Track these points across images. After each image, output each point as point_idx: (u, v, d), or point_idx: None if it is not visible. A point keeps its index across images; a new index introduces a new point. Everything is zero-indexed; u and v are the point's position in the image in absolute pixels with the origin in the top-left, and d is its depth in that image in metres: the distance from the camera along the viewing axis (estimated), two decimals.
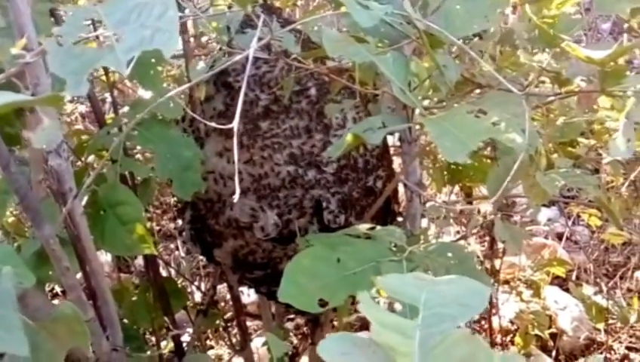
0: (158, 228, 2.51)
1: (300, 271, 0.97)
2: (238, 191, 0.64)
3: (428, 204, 1.37)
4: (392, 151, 1.46)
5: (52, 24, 1.19)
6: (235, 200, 0.64)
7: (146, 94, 1.47)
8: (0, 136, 0.87)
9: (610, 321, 2.02)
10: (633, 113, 0.76)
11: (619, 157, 0.86)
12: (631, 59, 2.34)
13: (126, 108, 1.40)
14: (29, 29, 0.77)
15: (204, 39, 1.71)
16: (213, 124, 0.78)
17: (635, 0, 0.78)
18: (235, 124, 0.68)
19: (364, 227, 1.12)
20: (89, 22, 0.50)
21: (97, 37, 0.47)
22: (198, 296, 1.97)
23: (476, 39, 0.98)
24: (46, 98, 0.47)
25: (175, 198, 1.40)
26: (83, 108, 2.53)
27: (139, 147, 1.58)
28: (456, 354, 0.39)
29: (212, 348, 2.07)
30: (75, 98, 1.97)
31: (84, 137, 1.45)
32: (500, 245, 1.62)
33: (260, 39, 0.89)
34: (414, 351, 0.44)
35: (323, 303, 0.95)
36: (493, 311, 1.85)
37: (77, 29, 0.49)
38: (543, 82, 1.21)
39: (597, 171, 2.02)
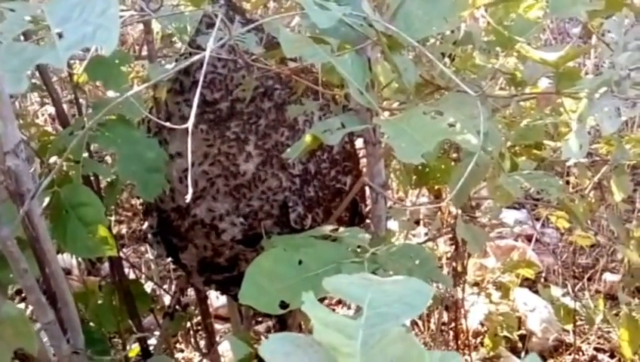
0: (128, 230, 2.49)
1: (260, 272, 0.96)
2: (190, 191, 0.64)
3: (394, 206, 1.37)
4: (360, 154, 1.46)
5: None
6: (187, 200, 0.64)
7: (114, 95, 1.46)
8: None
9: (579, 323, 2.04)
10: (586, 114, 0.77)
11: (573, 159, 0.86)
12: (598, 65, 2.37)
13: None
14: None
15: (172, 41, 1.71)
16: (167, 124, 0.77)
17: (589, 3, 0.79)
18: (189, 125, 0.67)
19: (328, 228, 1.12)
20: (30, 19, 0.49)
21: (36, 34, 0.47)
22: (167, 300, 1.96)
23: (436, 41, 0.99)
24: None
25: (140, 200, 1.39)
26: (52, 109, 2.51)
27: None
28: (392, 352, 0.39)
29: (182, 351, 2.05)
30: (42, 99, 1.95)
31: (47, 138, 1.43)
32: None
33: (220, 39, 0.89)
34: (356, 350, 0.44)
35: (284, 305, 0.94)
36: (462, 312, 1.86)
37: (18, 25, 0.48)
38: (508, 86, 1.23)
39: (566, 174, 2.04)
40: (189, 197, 0.64)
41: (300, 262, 0.98)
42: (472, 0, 0.96)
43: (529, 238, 2.40)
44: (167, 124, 0.80)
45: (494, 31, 0.91)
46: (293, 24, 1.47)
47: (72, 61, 1.27)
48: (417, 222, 2.10)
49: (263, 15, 2.02)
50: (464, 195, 1.08)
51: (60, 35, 0.46)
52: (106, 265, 2.06)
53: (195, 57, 0.79)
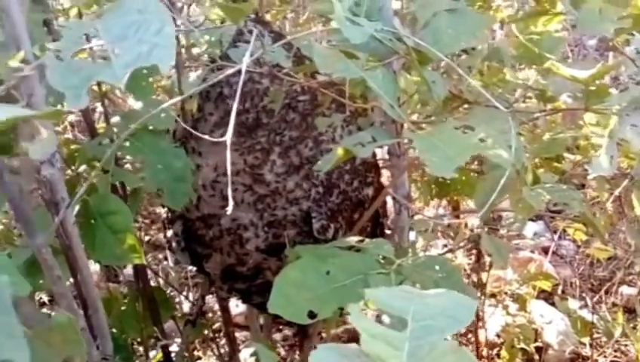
0: (146, 238, 2.51)
1: (289, 282, 0.98)
2: (231, 204, 0.65)
3: (415, 218, 1.38)
4: (380, 164, 1.48)
5: (45, 34, 1.21)
6: (228, 213, 0.65)
7: (135, 104, 1.49)
8: None
9: (596, 335, 2.04)
10: (616, 131, 0.78)
11: (602, 174, 0.87)
12: (617, 76, 2.37)
13: (116, 118, 1.41)
14: (24, 41, 0.78)
15: (195, 51, 1.73)
16: (206, 137, 0.79)
17: (618, 21, 0.80)
18: (228, 138, 0.69)
19: (352, 239, 1.13)
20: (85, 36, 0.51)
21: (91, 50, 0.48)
22: (186, 307, 1.98)
23: (463, 56, 1.00)
24: (47, 113, 0.48)
25: (165, 209, 1.40)
26: (72, 117, 2.54)
27: (128, 157, 1.59)
28: None
29: (200, 358, 2.07)
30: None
31: (73, 147, 1.45)
32: (487, 258, 1.64)
33: (252, 53, 0.91)
34: (403, 361, 0.45)
35: (312, 315, 0.96)
36: (480, 324, 1.86)
37: (75, 43, 0.50)
38: (530, 97, 1.24)
39: (582, 186, 2.05)
40: (229, 210, 0.65)
41: (328, 273, 0.99)
42: (493, 14, 0.98)
43: (546, 250, 2.40)
44: (206, 136, 0.82)
45: (523, 47, 0.92)
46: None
47: None
48: (435, 236, 2.10)
49: (280, 26, 2.04)
50: (488, 208, 1.08)
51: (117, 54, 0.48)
52: (125, 271, 2.08)
53: (231, 70, 0.81)
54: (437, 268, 1.04)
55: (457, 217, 1.57)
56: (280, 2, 1.69)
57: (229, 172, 0.68)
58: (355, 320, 0.48)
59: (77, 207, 1.14)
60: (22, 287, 0.60)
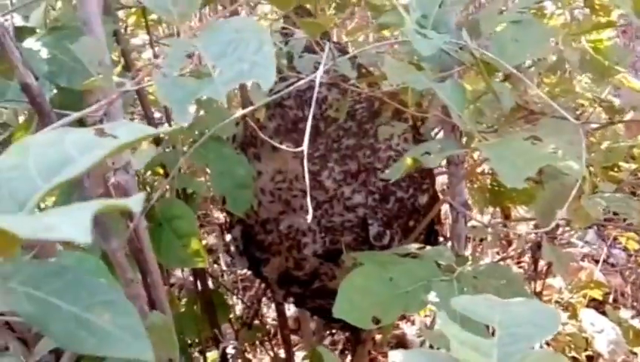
0: None
1: (353, 288, 1.00)
2: (310, 212, 0.68)
3: (470, 225, 1.39)
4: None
5: (114, 44, 1.25)
6: (309, 220, 0.68)
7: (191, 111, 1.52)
8: None
9: None
10: None
11: None
12: None
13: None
14: (105, 53, 0.82)
15: None
16: (284, 147, 0.81)
17: None
18: (305, 147, 0.71)
19: (412, 246, 1.15)
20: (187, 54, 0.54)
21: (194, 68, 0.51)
22: (238, 309, 2.01)
23: (532, 68, 1.01)
24: (172, 130, 0.51)
25: (225, 214, 1.44)
26: None
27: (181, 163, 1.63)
28: None
29: (249, 361, 2.10)
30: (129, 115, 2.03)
31: None
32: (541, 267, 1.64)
33: (320, 64, 0.93)
34: None
35: (375, 320, 0.98)
36: None
37: (178, 61, 0.53)
38: (587, 109, 1.24)
39: (634, 194, 2.03)
40: (309, 218, 0.68)
41: (391, 279, 1.01)
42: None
43: (596, 259, 2.38)
44: (279, 145, 0.84)
45: (592, 59, 0.93)
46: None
47: None
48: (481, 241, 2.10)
49: (330, 33, 2.06)
50: (549, 217, 1.09)
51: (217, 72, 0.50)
52: (176, 274, 2.13)
53: (303, 80, 0.83)
54: (497, 275, 1.05)
55: (510, 225, 1.57)
56: (333, 10, 1.71)
57: (307, 180, 0.70)
58: (444, 327, 0.50)
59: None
60: (118, 291, 0.63)
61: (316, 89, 0.79)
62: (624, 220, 2.00)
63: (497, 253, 1.85)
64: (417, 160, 0.88)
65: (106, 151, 0.35)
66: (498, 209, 1.77)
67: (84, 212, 0.26)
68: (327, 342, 2.17)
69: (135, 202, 0.28)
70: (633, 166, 1.55)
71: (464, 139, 1.11)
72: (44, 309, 0.36)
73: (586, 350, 2.08)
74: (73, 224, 0.24)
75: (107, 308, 0.37)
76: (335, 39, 1.87)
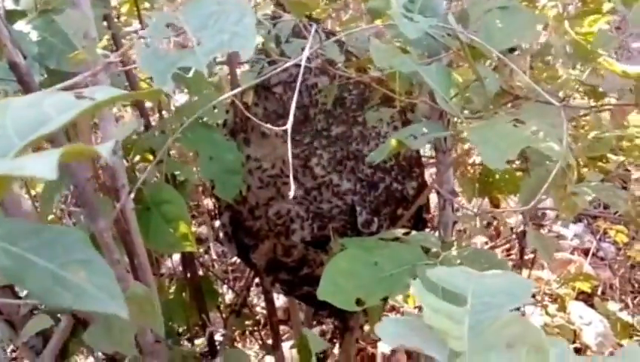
0: None
1: (338, 271, 1.01)
2: (293, 188, 0.68)
3: (459, 213, 1.40)
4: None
5: (105, 28, 1.26)
6: (291, 196, 0.68)
7: (180, 99, 1.53)
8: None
9: (635, 338, 2.03)
10: None
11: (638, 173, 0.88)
12: None
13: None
14: (93, 33, 0.82)
15: None
16: (268, 126, 0.82)
17: None
18: (288, 126, 0.72)
19: (399, 231, 1.15)
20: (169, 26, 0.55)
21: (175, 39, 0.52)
22: (227, 298, 2.02)
23: (514, 53, 1.02)
24: (147, 92, 0.52)
25: (213, 200, 1.44)
26: (117, 113, 2.60)
27: (173, 151, 1.64)
28: (506, 334, 0.42)
29: (237, 347, 2.11)
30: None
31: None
32: (529, 256, 1.65)
33: (303, 48, 0.94)
34: (464, 334, 0.48)
35: (359, 302, 0.98)
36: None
37: (160, 32, 0.54)
38: (579, 93, 1.25)
39: (625, 188, 2.04)
40: (291, 194, 0.69)
41: (376, 263, 1.02)
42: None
43: (585, 252, 2.39)
44: (269, 125, 0.85)
45: (576, 44, 0.94)
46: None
47: None
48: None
49: (324, 24, 2.07)
50: (534, 204, 1.10)
51: (198, 42, 0.51)
52: (171, 261, 2.13)
53: (289, 63, 0.84)
54: (483, 261, 1.06)
55: (496, 213, 1.58)
56: (327, 0, 1.72)
57: (290, 161, 0.71)
58: (418, 295, 0.51)
59: (132, 196, 1.19)
60: (96, 253, 0.63)
61: (301, 70, 0.79)
62: (615, 213, 2.02)
63: (486, 243, 1.86)
64: (402, 142, 0.88)
65: (81, 109, 0.35)
66: (487, 200, 1.78)
67: (53, 154, 0.26)
68: (316, 331, 2.18)
69: (104, 148, 0.29)
70: (622, 158, 1.56)
71: (452, 126, 1.11)
72: (21, 265, 0.37)
73: (574, 342, 2.09)
74: (42, 163, 0.25)
75: (84, 266, 0.38)
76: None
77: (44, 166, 0.25)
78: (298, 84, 0.77)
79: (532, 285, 0.52)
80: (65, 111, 0.37)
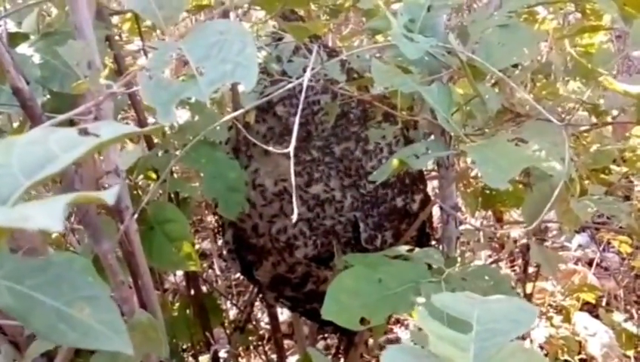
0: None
1: (342, 289, 1.01)
2: (296, 211, 0.69)
3: (462, 228, 1.40)
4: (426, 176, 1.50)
5: (107, 49, 1.26)
6: (294, 220, 0.69)
7: (182, 117, 1.53)
8: None
9: None
10: None
11: None
12: None
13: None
14: (96, 58, 0.83)
15: None
16: (270, 148, 0.82)
17: None
18: (291, 148, 0.72)
19: (402, 248, 1.16)
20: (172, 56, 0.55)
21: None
22: (231, 314, 2.02)
23: (517, 71, 1.02)
24: (152, 128, 0.52)
25: (216, 218, 1.45)
26: None
27: (176, 167, 1.64)
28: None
29: None
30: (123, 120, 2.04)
31: None
32: (532, 269, 1.65)
33: (307, 67, 0.94)
34: None
35: (364, 321, 0.98)
36: (524, 335, 1.87)
37: (163, 63, 0.54)
38: (578, 109, 1.25)
39: (628, 198, 2.04)
40: (294, 218, 0.69)
41: (380, 281, 1.02)
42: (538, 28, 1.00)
43: (589, 262, 2.39)
44: (270, 148, 0.85)
45: (575, 61, 0.94)
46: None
47: None
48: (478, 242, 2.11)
49: (324, 39, 2.08)
50: (537, 219, 1.10)
51: (201, 73, 0.51)
52: (170, 279, 2.13)
53: (292, 84, 0.84)
54: (486, 277, 1.06)
55: (502, 228, 1.58)
56: (327, 16, 1.72)
57: (292, 179, 0.71)
58: (423, 322, 0.51)
59: (135, 215, 1.19)
60: (102, 288, 0.64)
61: (304, 91, 0.80)
62: (618, 224, 2.02)
63: (489, 256, 1.86)
64: (404, 162, 0.89)
65: (87, 148, 0.36)
66: (490, 213, 1.78)
67: (58, 203, 0.27)
68: (320, 345, 2.18)
69: (109, 195, 0.29)
70: (624, 169, 1.57)
71: (454, 143, 1.12)
72: (26, 303, 0.37)
73: (579, 353, 2.09)
74: (47, 213, 0.25)
75: (89, 303, 0.38)
76: (330, 44, 1.88)
77: (49, 216, 0.25)
78: (301, 103, 0.77)
79: (536, 311, 0.52)
80: (70, 150, 0.38)
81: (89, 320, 0.37)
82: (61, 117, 0.53)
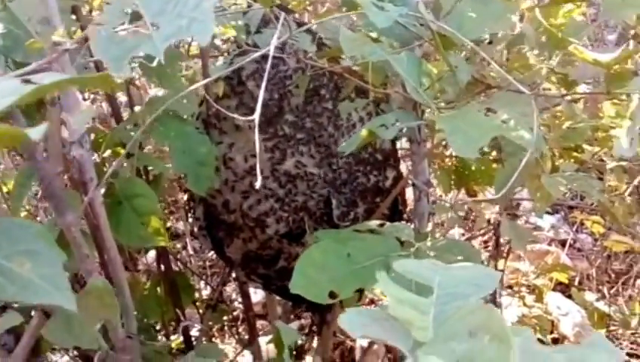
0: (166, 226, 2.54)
1: (310, 263, 0.99)
2: (259, 179, 0.67)
3: (435, 204, 1.40)
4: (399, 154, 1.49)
5: (73, 21, 1.23)
6: (257, 185, 0.67)
7: (157, 93, 1.51)
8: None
9: (612, 327, 2.05)
10: (637, 113, 0.79)
11: (623, 156, 0.88)
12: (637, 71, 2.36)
13: (137, 108, 1.43)
14: (57, 21, 0.80)
15: (216, 41, 1.75)
16: (236, 116, 0.81)
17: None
18: (256, 116, 0.71)
19: (373, 223, 1.15)
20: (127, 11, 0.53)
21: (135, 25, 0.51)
22: (205, 294, 2.00)
23: (486, 42, 1.01)
24: (96, 77, 0.50)
25: (187, 194, 1.43)
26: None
27: (150, 146, 1.62)
28: (469, 322, 0.42)
29: (214, 342, 2.09)
30: (91, 97, 2.01)
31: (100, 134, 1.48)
32: (504, 247, 1.65)
33: (278, 37, 0.92)
34: (429, 324, 0.47)
35: (332, 295, 0.97)
36: None
37: (116, 17, 0.52)
38: (552, 84, 1.24)
39: (601, 179, 2.05)
40: (258, 184, 0.67)
41: (349, 255, 1.01)
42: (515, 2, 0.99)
43: (563, 243, 2.40)
44: (236, 115, 0.84)
45: (548, 32, 0.93)
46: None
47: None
48: (451, 226, 2.12)
49: (300, 17, 2.06)
50: (508, 194, 1.10)
51: (156, 27, 0.50)
52: (144, 260, 2.11)
53: (257, 53, 0.83)
54: (456, 251, 1.05)
55: (472, 204, 1.58)
56: None
57: (257, 149, 0.69)
58: (384, 286, 0.50)
59: (103, 190, 1.17)
60: (58, 256, 0.62)
61: (269, 61, 0.78)
62: (591, 204, 2.03)
63: (462, 235, 1.86)
64: (373, 132, 0.87)
65: (23, 93, 0.34)
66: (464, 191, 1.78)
67: None
68: (295, 325, 2.17)
69: (36, 132, 0.28)
70: (596, 148, 1.57)
71: (425, 116, 1.11)
72: None
73: (551, 332, 2.11)
74: None
75: (29, 257, 0.37)
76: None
77: None
78: (266, 74, 0.76)
79: (498, 276, 0.51)
80: (8, 96, 0.36)
81: (29, 274, 0.36)
82: (11, 74, 0.51)
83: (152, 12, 0.51)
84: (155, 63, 0.55)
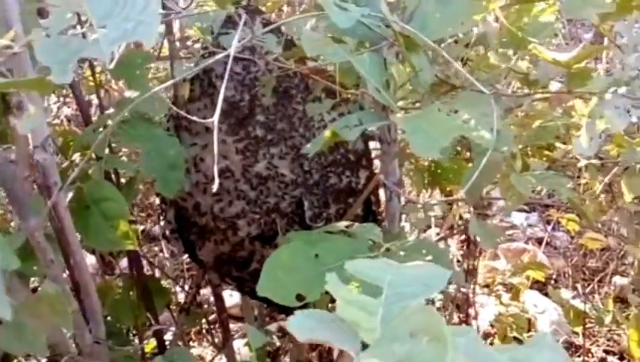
0: (141, 229, 2.52)
1: (278, 265, 0.99)
2: (217, 181, 0.67)
3: (406, 204, 1.40)
4: (373, 154, 1.49)
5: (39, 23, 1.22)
6: (214, 188, 0.67)
7: (132, 96, 1.50)
8: None
9: (588, 325, 2.06)
10: (596, 112, 0.79)
11: (584, 155, 0.89)
12: (609, 69, 2.38)
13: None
14: (15, 23, 0.79)
15: (189, 43, 1.74)
16: (197, 118, 0.80)
17: (601, 5, 0.82)
18: (215, 119, 0.70)
19: (342, 224, 1.14)
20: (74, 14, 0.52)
21: (81, 28, 0.50)
22: (181, 297, 1.99)
23: (450, 40, 1.02)
24: (32, 81, 0.50)
25: (159, 197, 1.42)
26: (69, 111, 2.55)
27: (124, 149, 1.61)
28: (413, 323, 0.41)
29: (193, 348, 2.08)
30: (62, 100, 1.99)
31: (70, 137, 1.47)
32: (478, 247, 1.65)
33: (241, 39, 0.92)
34: (377, 325, 0.47)
35: (300, 297, 0.97)
36: (473, 313, 1.88)
37: (62, 21, 0.51)
38: (522, 88, 1.25)
39: (578, 177, 2.06)
40: (215, 186, 0.67)
41: (317, 256, 1.00)
42: (486, 2, 0.99)
43: (539, 241, 2.42)
44: (195, 118, 0.83)
45: (508, 32, 0.93)
46: (308, 26, 1.50)
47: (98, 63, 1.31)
48: (429, 226, 2.12)
49: (276, 19, 2.05)
50: (477, 193, 1.10)
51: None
52: (121, 264, 2.10)
53: (219, 55, 0.82)
54: (425, 251, 1.05)
55: (448, 204, 1.59)
56: None
57: (215, 150, 0.69)
58: (332, 288, 0.50)
59: (71, 194, 1.16)
60: (10, 261, 0.61)
61: (230, 62, 0.78)
62: (567, 203, 2.04)
63: (437, 234, 1.87)
64: (337, 133, 0.87)
65: None
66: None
67: None
68: (273, 327, 2.17)
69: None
70: (570, 146, 1.58)
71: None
72: None
73: (528, 331, 2.11)
74: None
75: None
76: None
77: None
78: (226, 75, 0.75)
79: (448, 275, 0.51)
80: None
81: None
82: None
83: (99, 15, 0.51)
84: (112, 66, 0.55)
